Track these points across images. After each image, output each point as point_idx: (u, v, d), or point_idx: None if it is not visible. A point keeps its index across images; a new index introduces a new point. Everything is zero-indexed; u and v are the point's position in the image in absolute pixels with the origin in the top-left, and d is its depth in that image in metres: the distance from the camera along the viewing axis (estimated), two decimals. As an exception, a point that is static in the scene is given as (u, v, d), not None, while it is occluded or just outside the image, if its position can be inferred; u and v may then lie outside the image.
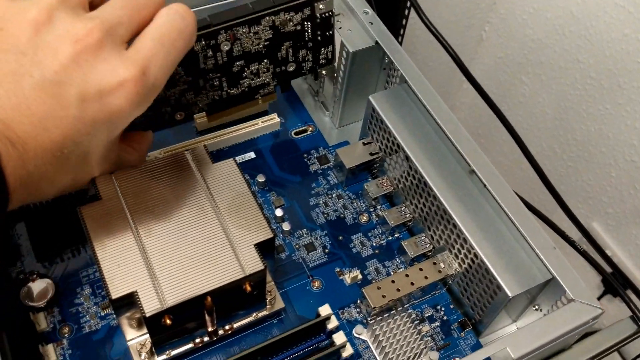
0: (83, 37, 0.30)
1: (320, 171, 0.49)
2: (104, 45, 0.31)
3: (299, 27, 0.43)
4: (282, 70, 0.45)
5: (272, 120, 0.50)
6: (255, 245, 0.37)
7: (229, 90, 0.44)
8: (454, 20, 1.14)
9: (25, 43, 0.30)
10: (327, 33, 0.45)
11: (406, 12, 0.82)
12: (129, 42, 0.33)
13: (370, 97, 0.46)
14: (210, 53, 0.41)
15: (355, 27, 0.47)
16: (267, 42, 0.43)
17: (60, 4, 0.31)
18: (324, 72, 0.50)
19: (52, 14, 0.30)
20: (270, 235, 0.37)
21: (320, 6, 0.43)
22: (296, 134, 0.51)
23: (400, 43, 0.84)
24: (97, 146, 0.33)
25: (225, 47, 0.41)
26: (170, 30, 0.33)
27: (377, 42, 0.46)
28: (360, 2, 0.48)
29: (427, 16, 0.57)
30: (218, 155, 0.49)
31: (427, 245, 0.44)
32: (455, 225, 0.41)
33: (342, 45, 0.47)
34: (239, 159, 0.49)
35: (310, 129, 0.52)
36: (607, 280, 0.70)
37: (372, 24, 0.47)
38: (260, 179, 0.47)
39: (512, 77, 1.14)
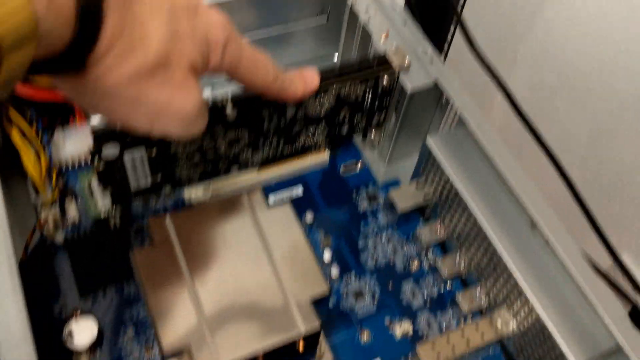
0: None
1: (369, 210, 0.48)
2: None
3: (360, 97, 0.44)
4: (336, 132, 0.46)
5: (322, 155, 0.49)
6: (311, 300, 0.35)
7: (283, 149, 0.44)
8: (488, 42, 1.12)
9: None
10: (385, 101, 0.46)
11: (449, 37, 0.81)
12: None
13: (427, 139, 0.44)
14: (275, 117, 0.41)
15: (414, 65, 0.45)
16: (329, 109, 0.43)
17: None
18: (373, 132, 0.50)
19: None
20: (327, 291, 0.36)
21: (385, 79, 0.44)
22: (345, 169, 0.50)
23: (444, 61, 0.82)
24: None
25: (290, 112, 0.41)
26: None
27: (437, 82, 0.45)
28: (419, 40, 0.46)
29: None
30: (266, 190, 0.47)
31: (483, 301, 0.42)
32: (516, 284, 0.39)
33: (399, 83, 0.45)
34: (287, 193, 0.47)
35: (359, 164, 0.50)
36: (634, 313, 0.68)
37: (431, 63, 0.45)
38: (309, 217, 0.46)
39: (545, 101, 1.12)
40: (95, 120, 0.35)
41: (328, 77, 0.41)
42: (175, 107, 0.28)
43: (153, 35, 0.26)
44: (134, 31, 0.25)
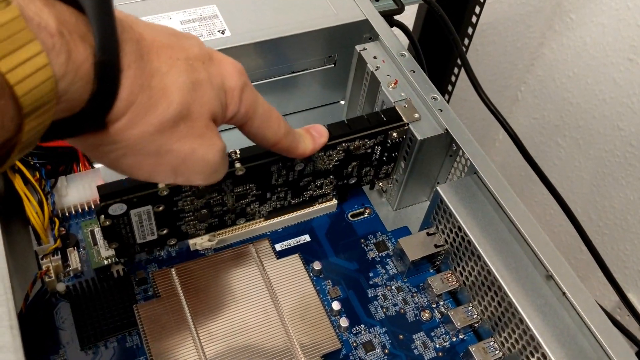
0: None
1: (378, 259, 0.46)
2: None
3: (369, 150, 0.44)
4: (344, 183, 0.46)
5: (329, 202, 0.48)
6: (322, 357, 0.34)
7: (291, 200, 0.44)
8: (490, 79, 1.13)
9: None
10: (393, 154, 0.45)
11: (453, 78, 0.81)
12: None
13: (438, 188, 0.43)
14: (284, 172, 0.41)
15: (424, 114, 0.45)
16: (337, 162, 0.43)
17: None
18: (380, 184, 0.50)
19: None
20: (339, 346, 0.34)
21: (394, 134, 0.43)
22: (353, 216, 0.49)
23: (448, 101, 0.82)
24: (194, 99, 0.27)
25: (299, 168, 0.41)
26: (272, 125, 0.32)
27: (446, 131, 0.44)
28: (428, 88, 0.46)
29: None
30: (272, 237, 0.46)
31: (497, 352, 0.41)
32: (532, 338, 0.38)
33: (409, 131, 0.44)
34: (294, 241, 0.46)
35: (368, 211, 0.49)
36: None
37: (441, 111, 0.45)
38: (316, 266, 0.44)
39: (548, 138, 1.12)
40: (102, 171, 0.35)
41: (337, 133, 0.41)
42: (198, 156, 0.27)
43: (173, 87, 0.25)
44: (153, 84, 0.25)
